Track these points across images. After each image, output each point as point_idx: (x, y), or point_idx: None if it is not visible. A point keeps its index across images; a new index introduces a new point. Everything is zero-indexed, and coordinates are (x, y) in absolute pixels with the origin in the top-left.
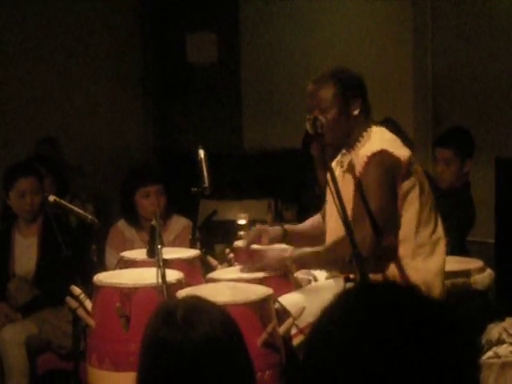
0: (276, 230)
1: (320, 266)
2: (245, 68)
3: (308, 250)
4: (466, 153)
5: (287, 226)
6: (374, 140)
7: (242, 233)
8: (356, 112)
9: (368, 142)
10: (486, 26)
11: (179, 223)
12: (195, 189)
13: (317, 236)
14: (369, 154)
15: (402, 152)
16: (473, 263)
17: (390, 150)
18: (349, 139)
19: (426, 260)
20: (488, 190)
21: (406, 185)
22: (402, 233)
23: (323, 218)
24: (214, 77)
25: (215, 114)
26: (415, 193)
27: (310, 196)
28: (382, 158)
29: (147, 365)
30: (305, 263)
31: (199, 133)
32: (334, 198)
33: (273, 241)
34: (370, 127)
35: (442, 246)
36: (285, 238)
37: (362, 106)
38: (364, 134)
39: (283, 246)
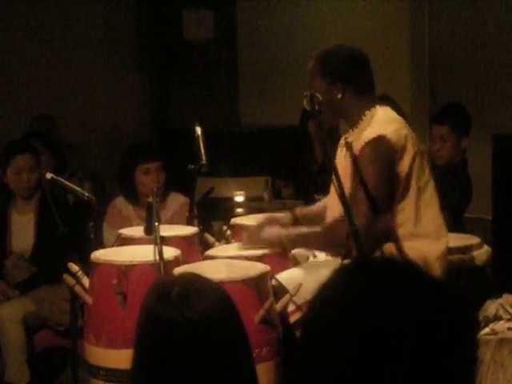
0: (285, 217)
1: (317, 247)
2: (242, 45)
3: (305, 229)
4: (463, 129)
5: (298, 210)
6: (375, 123)
7: (239, 210)
8: (338, 95)
9: (369, 125)
10: (483, 2)
11: (177, 200)
12: (192, 166)
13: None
14: (366, 139)
15: (402, 132)
16: (470, 239)
17: (389, 134)
18: (347, 118)
19: (430, 243)
20: (485, 167)
21: (406, 165)
22: (403, 214)
23: None
24: (211, 54)
25: (212, 90)
26: (415, 173)
27: (307, 173)
28: (378, 144)
29: (143, 342)
30: (301, 243)
31: (196, 110)
32: (332, 176)
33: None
34: (373, 106)
35: (445, 230)
36: (295, 224)
37: (350, 88)
38: (367, 112)
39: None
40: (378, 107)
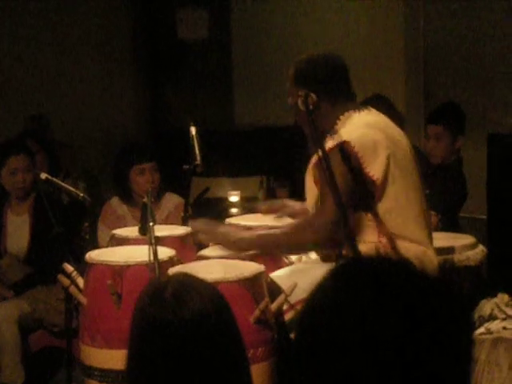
0: (298, 204)
1: (279, 250)
2: (236, 44)
3: (267, 231)
4: (458, 128)
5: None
6: (345, 128)
7: (234, 210)
8: (311, 107)
9: (340, 128)
10: (478, 2)
11: (172, 201)
12: (187, 166)
13: None
14: (331, 145)
15: (371, 137)
16: (465, 239)
17: (353, 140)
18: (324, 127)
19: (410, 243)
20: (480, 166)
21: (378, 170)
22: (384, 217)
23: None
24: (205, 53)
25: (206, 90)
26: (391, 178)
27: (302, 173)
28: (340, 150)
29: (137, 342)
30: (263, 246)
31: (190, 110)
32: (325, 175)
33: (293, 215)
34: (347, 111)
35: (426, 231)
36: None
37: (323, 98)
38: (341, 117)
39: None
40: (352, 112)
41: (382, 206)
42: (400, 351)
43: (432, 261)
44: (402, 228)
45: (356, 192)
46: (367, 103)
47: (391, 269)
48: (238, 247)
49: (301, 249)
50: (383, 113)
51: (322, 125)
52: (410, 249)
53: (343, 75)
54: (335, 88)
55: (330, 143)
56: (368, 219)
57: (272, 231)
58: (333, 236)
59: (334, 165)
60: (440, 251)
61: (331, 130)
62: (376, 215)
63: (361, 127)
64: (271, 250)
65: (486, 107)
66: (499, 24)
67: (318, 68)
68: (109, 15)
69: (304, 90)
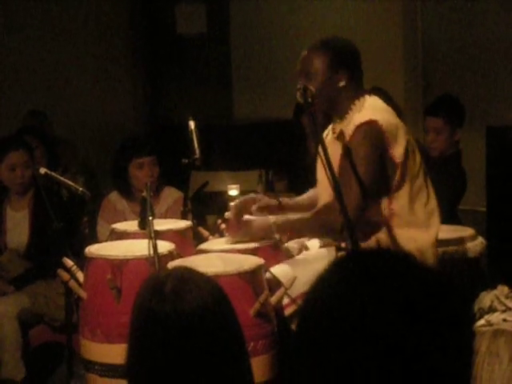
0: (268, 199)
1: (307, 232)
2: (234, 39)
3: (294, 216)
4: (456, 121)
5: (284, 200)
6: (366, 109)
7: (232, 203)
8: (342, 83)
9: (359, 111)
10: None
11: (171, 195)
12: (186, 160)
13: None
14: (357, 123)
15: (392, 120)
16: (464, 231)
17: (380, 119)
18: (338, 108)
19: (422, 231)
20: (479, 159)
21: (400, 153)
22: (399, 202)
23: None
24: (204, 48)
25: (205, 84)
26: (410, 162)
27: (301, 167)
28: (369, 127)
29: (137, 337)
30: (291, 229)
31: (189, 104)
32: (324, 166)
33: (264, 210)
34: (362, 96)
35: (436, 218)
36: (280, 208)
37: (350, 77)
38: (356, 102)
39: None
40: (367, 96)
41: (401, 191)
42: (400, 343)
43: (433, 252)
44: (415, 215)
45: (382, 173)
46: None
47: (391, 261)
48: (269, 233)
49: (328, 231)
50: None
51: (336, 106)
52: (412, 240)
53: (360, 59)
54: (357, 68)
55: (354, 121)
56: (378, 208)
57: (301, 214)
58: (359, 211)
59: (361, 141)
60: (440, 243)
61: (344, 112)
62: (389, 202)
63: (381, 110)
64: (302, 232)
65: (484, 100)
66: (497, 17)
67: (344, 46)
68: (107, 10)
69: (333, 67)
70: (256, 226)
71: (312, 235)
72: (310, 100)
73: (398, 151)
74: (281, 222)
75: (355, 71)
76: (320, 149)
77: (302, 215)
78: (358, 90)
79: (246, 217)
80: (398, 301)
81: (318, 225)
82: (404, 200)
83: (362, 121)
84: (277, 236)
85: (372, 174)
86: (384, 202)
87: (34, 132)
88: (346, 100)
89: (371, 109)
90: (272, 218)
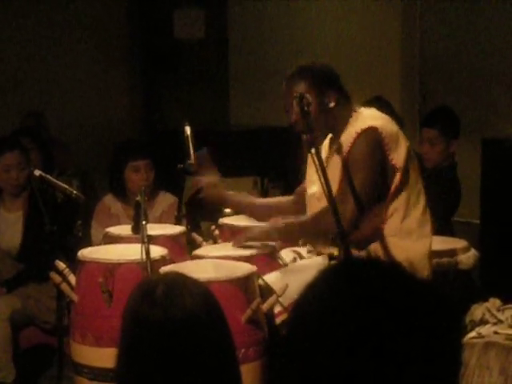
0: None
1: (303, 236)
2: (232, 45)
3: (293, 220)
4: (452, 133)
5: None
6: (365, 118)
7: (227, 210)
8: (332, 104)
9: (358, 121)
10: (475, 6)
11: (166, 200)
12: (181, 165)
13: (277, 214)
14: (358, 130)
15: (392, 127)
16: (457, 243)
17: (380, 126)
18: (336, 129)
19: (414, 241)
20: (474, 171)
21: (401, 159)
22: (394, 207)
23: (298, 199)
24: (201, 53)
25: (202, 90)
26: (409, 168)
27: (296, 174)
28: (369, 133)
29: (126, 341)
30: (290, 233)
31: (186, 109)
32: (319, 177)
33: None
34: (355, 110)
35: (429, 228)
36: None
37: (338, 95)
38: (353, 115)
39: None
40: (363, 109)
41: (397, 200)
42: (388, 353)
43: (426, 263)
44: (410, 223)
45: (383, 181)
46: (368, 105)
47: (381, 271)
48: (270, 238)
49: (326, 235)
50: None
51: (333, 125)
52: (403, 250)
53: (340, 81)
54: (342, 87)
55: (354, 130)
56: (373, 215)
57: (297, 219)
58: (354, 224)
59: (362, 148)
60: (433, 254)
61: (343, 128)
62: (385, 209)
63: (380, 118)
64: (299, 236)
65: (480, 112)
66: (494, 30)
67: (326, 68)
68: (105, 14)
69: (319, 89)
70: (256, 228)
71: (309, 239)
72: (306, 108)
73: (399, 156)
74: (282, 226)
75: (341, 89)
76: (315, 158)
77: (302, 219)
78: (349, 106)
79: (242, 224)
80: (386, 310)
81: (316, 228)
82: (401, 207)
83: (363, 127)
84: (276, 241)
85: (370, 181)
86: (380, 209)
87: (30, 134)
88: (341, 119)
89: (370, 117)
90: (270, 224)
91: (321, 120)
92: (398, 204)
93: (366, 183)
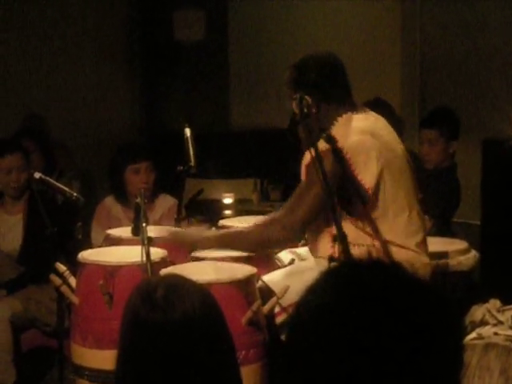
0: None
1: (242, 244)
2: (232, 46)
3: (231, 230)
4: (451, 133)
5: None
6: (341, 132)
7: (227, 211)
8: (313, 110)
9: (336, 132)
10: (475, 7)
11: (166, 202)
12: (181, 167)
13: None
14: (323, 148)
15: (365, 144)
16: (457, 244)
17: (347, 147)
18: (324, 128)
19: (395, 253)
20: (474, 172)
21: (370, 179)
22: (377, 223)
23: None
24: (201, 55)
25: (202, 92)
26: (383, 186)
27: (296, 176)
28: (333, 153)
29: (126, 343)
30: (226, 243)
31: (186, 111)
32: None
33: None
34: (345, 113)
35: (416, 240)
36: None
37: (322, 100)
38: (338, 119)
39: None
40: (350, 114)
41: (374, 213)
42: (389, 355)
43: (425, 266)
44: (392, 235)
45: (348, 196)
46: (367, 106)
47: (382, 273)
48: (202, 245)
49: (265, 246)
50: (383, 116)
51: (321, 125)
52: (402, 253)
53: (341, 74)
54: (333, 87)
55: (323, 145)
56: (362, 223)
57: (238, 229)
58: (299, 237)
59: (326, 167)
60: (433, 256)
61: (327, 130)
62: (370, 220)
63: (356, 133)
64: (237, 246)
65: (481, 113)
66: (495, 30)
67: (311, 71)
68: (104, 16)
69: (300, 93)
70: (188, 239)
71: (246, 249)
72: (305, 110)
73: (366, 177)
74: (217, 235)
75: (330, 92)
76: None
77: (239, 229)
78: (337, 109)
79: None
80: (387, 312)
81: (259, 239)
82: (381, 221)
83: (328, 147)
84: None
85: (320, 199)
86: (362, 220)
87: (31, 136)
88: (325, 121)
89: (345, 132)
90: (204, 233)
91: (304, 122)
92: (377, 217)
93: (316, 199)
